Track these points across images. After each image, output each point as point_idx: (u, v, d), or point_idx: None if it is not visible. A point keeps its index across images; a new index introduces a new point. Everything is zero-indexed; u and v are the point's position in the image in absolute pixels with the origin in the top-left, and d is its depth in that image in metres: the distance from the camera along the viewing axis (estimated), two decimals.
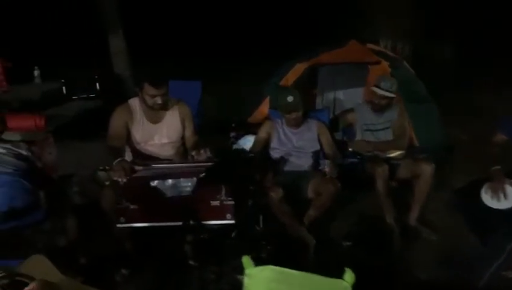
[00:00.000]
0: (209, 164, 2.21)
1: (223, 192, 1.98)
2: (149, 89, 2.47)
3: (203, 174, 2.01)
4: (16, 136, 3.75)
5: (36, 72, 5.11)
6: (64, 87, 5.28)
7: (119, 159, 2.24)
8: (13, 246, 1.99)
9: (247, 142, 3.13)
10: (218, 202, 1.97)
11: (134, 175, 2.17)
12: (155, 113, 2.62)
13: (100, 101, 5.37)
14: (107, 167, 2.39)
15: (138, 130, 2.60)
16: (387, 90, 2.95)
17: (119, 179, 2.13)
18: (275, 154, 2.95)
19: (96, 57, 6.23)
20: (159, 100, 2.48)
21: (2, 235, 2.00)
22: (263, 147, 2.91)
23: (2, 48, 4.85)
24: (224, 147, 3.56)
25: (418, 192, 2.81)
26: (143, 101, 2.55)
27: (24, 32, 8.06)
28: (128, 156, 2.67)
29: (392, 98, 2.98)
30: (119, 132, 2.54)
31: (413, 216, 2.86)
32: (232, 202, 1.97)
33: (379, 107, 3.00)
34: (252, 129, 3.54)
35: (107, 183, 2.40)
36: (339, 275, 1.32)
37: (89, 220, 2.36)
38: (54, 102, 5.14)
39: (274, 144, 2.95)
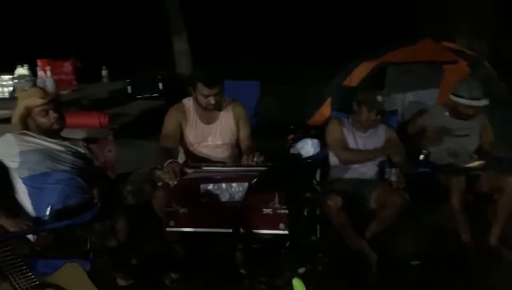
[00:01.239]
0: (263, 168, 2.13)
1: (277, 199, 1.92)
2: (202, 89, 2.44)
3: (256, 179, 1.93)
4: (80, 134, 3.95)
5: (104, 72, 5.29)
6: (129, 87, 5.50)
7: (169, 161, 2.22)
8: (65, 245, 2.01)
9: (305, 146, 3.02)
10: (271, 210, 1.91)
11: (185, 177, 2.14)
12: (208, 114, 2.58)
13: (163, 101, 5.51)
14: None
15: (191, 130, 2.59)
16: (478, 99, 2.65)
17: (169, 181, 2.11)
18: (335, 158, 2.82)
19: (160, 57, 6.41)
20: (212, 100, 2.45)
21: (55, 234, 2.02)
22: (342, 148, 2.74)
23: (73, 49, 5.10)
24: (281, 151, 3.46)
25: (501, 208, 2.55)
26: (196, 101, 2.51)
27: (94, 34, 8.55)
28: (182, 158, 2.65)
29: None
30: (172, 132, 2.54)
31: (493, 235, 2.60)
32: (286, 211, 1.90)
33: (466, 116, 2.75)
34: (311, 132, 3.46)
35: (159, 184, 2.38)
36: None
37: (140, 222, 2.34)
38: (119, 101, 5.37)
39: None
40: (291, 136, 3.68)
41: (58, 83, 4.47)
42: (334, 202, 2.46)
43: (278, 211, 1.89)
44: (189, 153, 2.63)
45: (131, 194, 2.69)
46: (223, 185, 1.98)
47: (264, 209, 1.90)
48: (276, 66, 7.56)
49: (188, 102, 2.61)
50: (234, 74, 4.44)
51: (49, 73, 4.29)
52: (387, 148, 2.73)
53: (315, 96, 4.33)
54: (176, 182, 2.10)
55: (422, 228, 2.81)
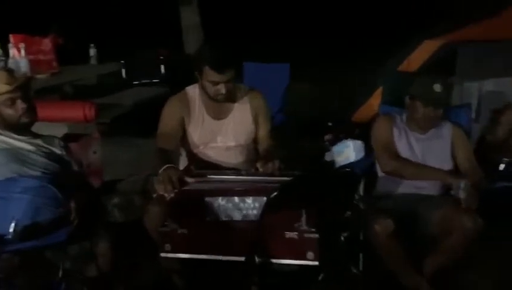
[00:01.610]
0: (286, 178, 2.12)
1: (304, 219, 1.91)
2: (210, 74, 2.42)
3: (276, 193, 1.90)
4: (59, 129, 4.01)
5: (92, 51, 5.36)
6: (123, 70, 5.59)
7: (165, 166, 2.22)
8: (31, 271, 2.04)
9: (346, 149, 2.98)
10: (296, 233, 1.90)
11: (185, 188, 2.14)
12: (219, 106, 2.58)
13: (165, 88, 5.57)
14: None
15: (196, 127, 2.58)
16: None
17: (165, 193, 2.11)
18: None
19: (163, 33, 6.46)
20: (222, 89, 2.43)
21: (19, 257, 2.03)
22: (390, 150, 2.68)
23: (54, 23, 5.20)
24: (314, 155, 3.44)
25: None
26: (203, 89, 2.51)
27: (79, 4, 8.68)
28: (184, 163, 2.66)
29: None
30: (172, 129, 2.55)
31: None
32: (316, 235, 1.88)
33: None
34: (355, 131, 3.48)
35: (154, 196, 2.38)
36: None
37: (128, 244, 2.35)
38: (110, 88, 5.45)
39: None
40: (328, 137, 3.75)
41: (34, 64, 4.57)
42: (383, 225, 2.41)
43: (306, 235, 1.88)
44: (192, 157, 2.63)
45: (117, 209, 2.72)
46: (235, 199, 1.98)
47: (287, 233, 1.89)
48: (310, 45, 7.52)
49: (193, 91, 2.61)
50: (256, 55, 4.45)
51: (23, 52, 4.39)
52: (455, 176, 2.57)
53: (362, 84, 4.34)
54: (172, 195, 2.10)
55: (501, 261, 2.75)
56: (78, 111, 4.05)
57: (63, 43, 4.98)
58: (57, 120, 3.92)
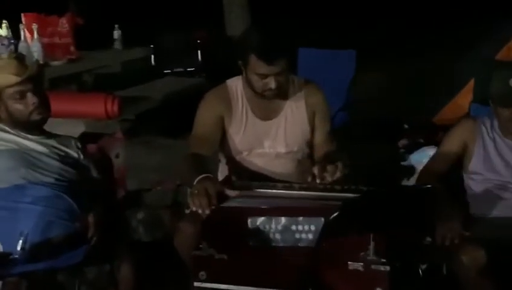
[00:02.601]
0: (350, 195, 2.11)
1: (372, 247, 1.89)
2: (257, 65, 2.42)
3: (337, 213, 1.89)
4: (76, 127, 4.12)
5: (116, 34, 5.54)
6: (152, 56, 5.67)
7: (201, 177, 2.23)
8: None
9: (425, 159, 2.95)
10: (362, 264, 1.89)
11: (225, 205, 2.14)
12: (267, 104, 2.58)
13: (202, 79, 5.63)
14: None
15: (239, 129, 2.60)
16: None
17: (199, 210, 2.12)
18: (474, 185, 2.72)
19: (201, 12, 6.52)
20: (271, 83, 2.43)
21: (28, 281, 2.07)
22: (450, 166, 2.68)
23: (71, 0, 5.36)
24: (386, 165, 3.37)
25: None
26: (248, 83, 2.52)
27: None
28: (223, 173, 2.67)
29: None
30: (209, 131, 2.56)
31: None
32: (387, 267, 1.87)
33: None
34: (438, 135, 3.41)
35: (187, 211, 2.41)
36: None
37: (155, 269, 2.40)
38: (137, 78, 5.55)
39: (474, 164, 2.72)
40: (403, 142, 3.68)
41: (48, 48, 4.74)
42: (473, 256, 2.36)
43: (374, 267, 1.87)
44: (234, 166, 2.65)
45: (143, 225, 2.76)
46: (284, 219, 1.97)
47: (350, 263, 1.89)
48: (378, 27, 7.46)
49: (235, 84, 2.63)
50: (313, 39, 4.43)
51: (36, 34, 4.54)
52: None
53: (447, 75, 4.25)
54: (208, 212, 2.11)
55: None
56: (99, 105, 4.17)
57: (83, 23, 5.11)
58: (73, 116, 4.05)
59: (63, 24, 4.90)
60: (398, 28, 7.49)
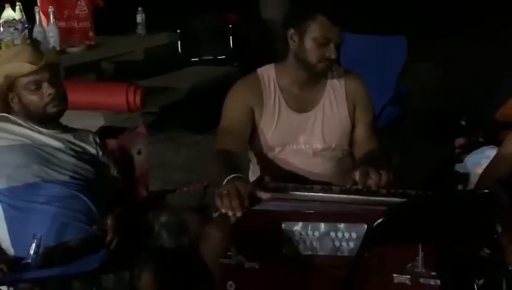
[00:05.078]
0: (397, 199, 2.09)
1: (420, 258, 1.90)
2: (323, 28, 2.45)
3: (382, 219, 1.88)
4: (95, 120, 4.16)
5: (139, 17, 5.52)
6: (179, 43, 5.67)
7: (231, 177, 2.22)
8: None
9: (484, 161, 2.93)
10: (409, 277, 1.89)
11: (256, 208, 2.14)
12: (302, 95, 2.60)
13: (234, 68, 5.62)
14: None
15: (271, 123, 2.60)
16: None
17: (229, 213, 2.11)
18: None
19: None
20: (332, 51, 2.46)
21: (41, 288, 2.11)
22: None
23: None
24: (440, 167, 3.34)
25: None
26: (297, 60, 2.53)
27: None
28: (254, 173, 2.69)
29: None
30: (238, 125, 2.57)
31: None
32: (438, 281, 1.88)
33: None
34: (500, 134, 3.32)
35: (214, 215, 2.42)
36: None
37: (180, 277, 2.40)
38: (162, 66, 5.55)
39: None
40: (460, 141, 3.60)
41: (66, 33, 4.78)
42: None
43: (423, 281, 1.87)
44: (265, 165, 2.66)
45: (166, 230, 2.76)
46: (323, 225, 1.98)
47: (395, 276, 1.89)
48: (435, 11, 7.27)
49: (268, 73, 2.64)
50: (360, 25, 4.36)
51: (52, 18, 4.59)
52: None
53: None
54: (240, 214, 2.10)
55: None
56: (120, 96, 4.21)
57: (103, 6, 5.13)
58: (91, 108, 4.10)
59: (82, 7, 4.94)
60: (456, 9, 7.39)
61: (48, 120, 2.45)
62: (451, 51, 6.10)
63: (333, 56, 2.47)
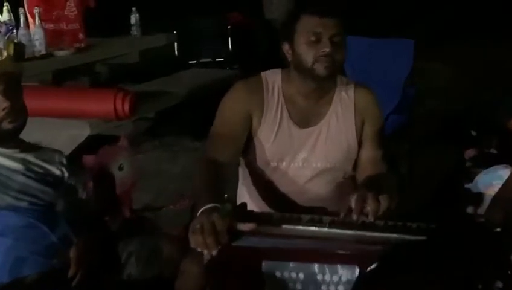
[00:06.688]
0: (394, 236, 1.95)
1: None
2: (309, 25, 2.31)
3: (377, 262, 1.74)
4: (80, 128, 4.00)
5: (133, 18, 5.46)
6: (176, 44, 5.57)
7: (209, 206, 2.04)
8: None
9: (496, 181, 2.81)
10: None
11: (234, 244, 1.98)
12: (308, 107, 2.45)
13: (234, 71, 5.53)
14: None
15: (269, 135, 2.45)
16: None
17: (203, 251, 1.95)
18: None
19: None
20: (326, 46, 2.28)
21: None
22: None
23: None
24: (447, 183, 3.21)
25: None
26: (295, 68, 2.39)
27: None
28: (245, 185, 2.60)
29: None
30: (233, 131, 2.42)
31: None
32: None
33: None
34: None
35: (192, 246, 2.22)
36: None
37: None
38: (157, 69, 5.45)
39: None
40: (470, 152, 3.54)
41: (53, 36, 4.70)
42: None
43: None
44: (258, 179, 2.56)
45: (136, 259, 2.57)
46: (308, 266, 1.84)
47: None
48: (443, 14, 7.22)
49: (273, 78, 2.50)
50: (366, 29, 4.24)
51: (38, 19, 4.46)
52: None
53: None
54: (214, 253, 1.94)
55: None
56: (107, 104, 4.10)
57: (94, 6, 5.05)
58: (77, 116, 3.98)
59: (71, 7, 4.90)
60: (466, 9, 7.31)
61: (3, 138, 2.25)
62: (463, 50, 5.99)
63: (328, 49, 2.28)
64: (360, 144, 2.48)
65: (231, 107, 2.45)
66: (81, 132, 3.98)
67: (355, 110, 2.47)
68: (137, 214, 3.36)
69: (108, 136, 3.76)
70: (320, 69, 2.31)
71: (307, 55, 2.31)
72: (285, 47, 2.39)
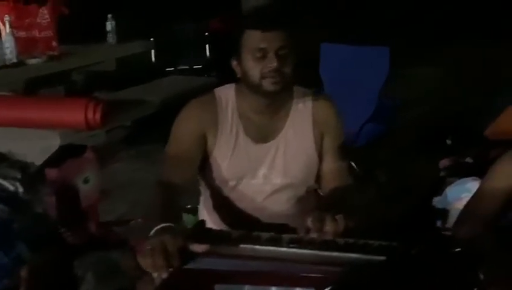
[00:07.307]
0: (354, 255, 1.88)
1: None
2: (252, 40, 2.23)
3: (334, 284, 1.67)
4: (49, 139, 3.93)
5: (109, 25, 5.42)
6: (153, 51, 5.49)
7: (161, 226, 1.98)
8: None
9: (464, 194, 2.78)
10: None
11: (186, 267, 1.90)
12: (263, 122, 2.40)
13: (212, 78, 5.52)
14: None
15: (226, 153, 2.41)
16: None
17: (154, 273, 1.88)
18: None
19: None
20: (273, 60, 2.22)
21: None
22: (501, 207, 2.37)
23: None
24: (418, 197, 3.15)
25: None
26: (246, 85, 2.33)
27: None
28: (205, 205, 2.56)
29: None
30: (187, 152, 2.37)
31: None
32: None
33: None
34: (490, 154, 3.20)
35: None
36: None
37: None
38: (134, 77, 5.40)
39: None
40: (445, 162, 3.51)
41: (25, 44, 4.63)
42: None
43: None
44: (218, 198, 2.51)
45: (94, 274, 2.50)
46: (262, 289, 1.76)
47: None
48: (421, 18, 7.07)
49: (226, 94, 2.43)
50: (340, 34, 4.23)
51: (8, 27, 4.40)
52: None
53: (507, 73, 4.24)
54: (164, 276, 1.87)
55: None
56: (78, 113, 4.01)
57: (68, 13, 4.98)
58: (46, 126, 3.91)
59: (44, 15, 4.86)
60: (445, 15, 7.34)
61: None
62: (440, 56, 6.01)
63: (274, 64, 2.22)
64: (321, 157, 2.44)
65: (184, 127, 2.41)
66: (51, 142, 3.91)
67: (313, 122, 2.42)
68: (104, 228, 3.30)
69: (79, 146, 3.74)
70: (269, 85, 2.26)
71: (254, 71, 2.26)
72: (234, 63, 2.34)
